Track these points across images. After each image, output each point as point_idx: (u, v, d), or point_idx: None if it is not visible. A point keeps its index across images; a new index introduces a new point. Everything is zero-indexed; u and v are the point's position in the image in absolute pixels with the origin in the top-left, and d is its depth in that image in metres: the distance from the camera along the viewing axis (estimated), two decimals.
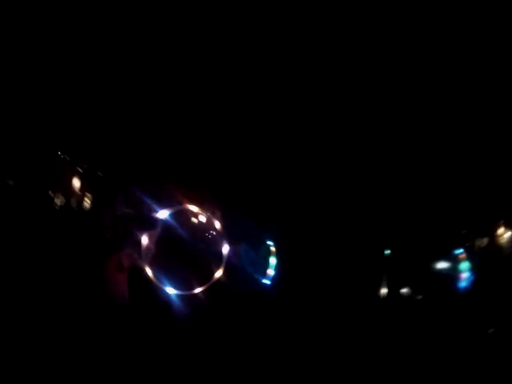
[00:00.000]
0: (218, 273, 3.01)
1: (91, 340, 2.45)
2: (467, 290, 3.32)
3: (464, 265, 3.39)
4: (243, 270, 3.59)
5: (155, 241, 2.75)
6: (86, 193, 2.82)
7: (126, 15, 2.93)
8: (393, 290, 3.49)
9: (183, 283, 2.83)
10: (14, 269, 2.52)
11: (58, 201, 2.71)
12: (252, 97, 3.57)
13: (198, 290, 2.88)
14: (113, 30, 2.99)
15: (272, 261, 3.48)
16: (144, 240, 2.69)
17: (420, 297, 3.47)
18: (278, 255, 3.51)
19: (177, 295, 2.80)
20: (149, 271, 2.71)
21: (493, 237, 3.46)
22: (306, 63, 3.32)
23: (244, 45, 3.25)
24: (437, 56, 3.30)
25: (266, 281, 3.53)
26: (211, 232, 3.04)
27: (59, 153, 2.72)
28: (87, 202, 2.82)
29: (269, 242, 3.51)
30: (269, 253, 3.52)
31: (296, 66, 3.37)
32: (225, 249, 3.06)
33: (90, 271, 2.52)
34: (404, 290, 3.50)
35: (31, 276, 2.53)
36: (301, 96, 3.58)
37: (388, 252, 3.58)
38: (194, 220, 2.97)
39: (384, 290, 3.48)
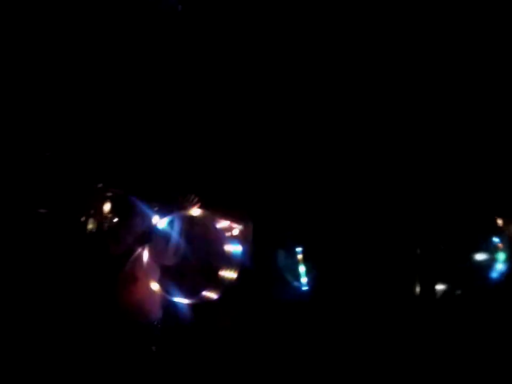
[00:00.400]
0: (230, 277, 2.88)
1: (108, 347, 2.65)
2: (503, 280, 3.20)
3: (501, 255, 3.28)
4: (282, 278, 3.74)
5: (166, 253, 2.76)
6: (108, 213, 3.13)
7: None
8: (430, 288, 3.43)
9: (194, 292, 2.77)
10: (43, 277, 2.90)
11: (89, 224, 3.05)
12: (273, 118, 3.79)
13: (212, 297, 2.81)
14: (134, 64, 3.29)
15: (302, 268, 3.60)
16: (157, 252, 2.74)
17: (458, 292, 3.39)
18: (308, 261, 3.63)
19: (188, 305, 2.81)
20: (156, 285, 2.73)
21: None
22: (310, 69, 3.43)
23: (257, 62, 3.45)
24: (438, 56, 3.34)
25: (304, 287, 3.64)
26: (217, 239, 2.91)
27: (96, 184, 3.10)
28: (108, 222, 3.13)
29: (298, 249, 3.65)
30: (299, 261, 3.65)
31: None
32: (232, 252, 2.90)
33: (107, 283, 2.78)
34: (441, 287, 3.42)
35: (59, 283, 2.86)
36: (323, 112, 3.75)
37: (419, 250, 3.54)
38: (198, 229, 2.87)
39: (418, 289, 3.43)
